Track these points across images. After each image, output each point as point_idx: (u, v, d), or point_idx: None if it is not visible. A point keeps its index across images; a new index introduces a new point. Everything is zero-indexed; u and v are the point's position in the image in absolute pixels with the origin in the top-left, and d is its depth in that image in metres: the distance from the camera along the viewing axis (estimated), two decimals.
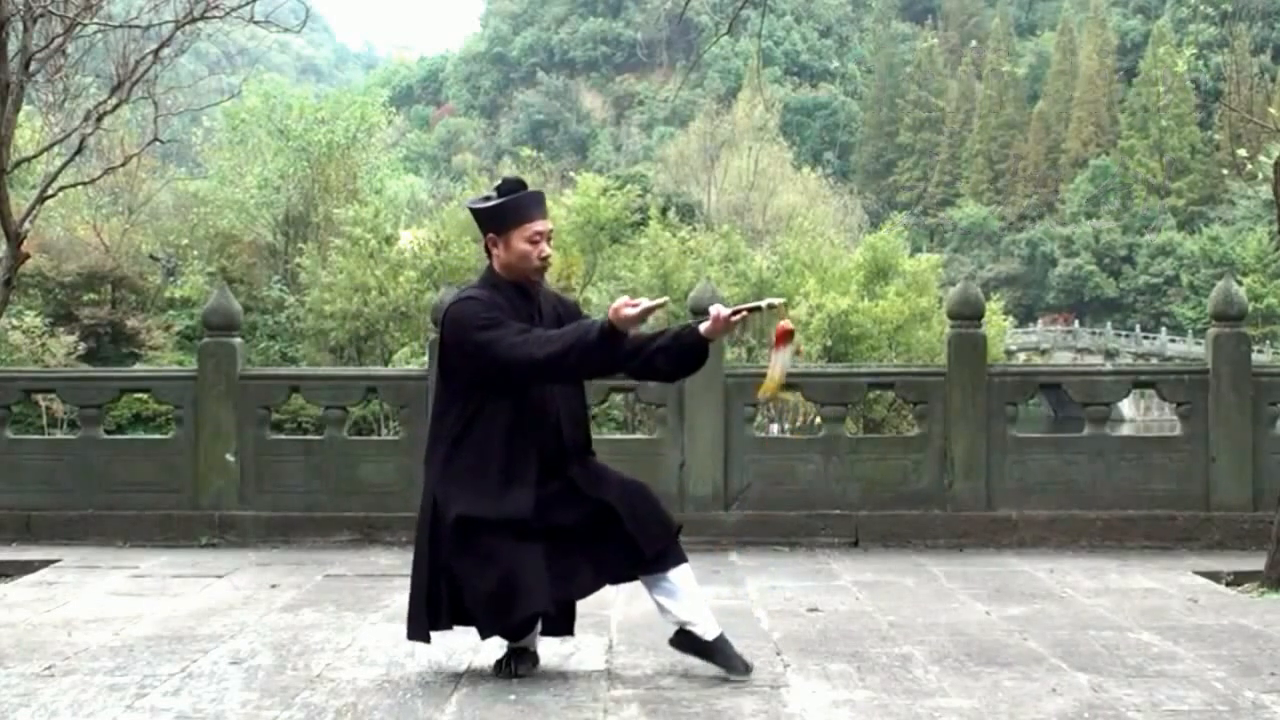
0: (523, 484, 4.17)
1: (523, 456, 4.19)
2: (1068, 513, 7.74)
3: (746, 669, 4.23)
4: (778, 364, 4.17)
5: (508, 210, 4.26)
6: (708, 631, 4.23)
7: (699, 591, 4.32)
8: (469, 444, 4.19)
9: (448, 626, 4.27)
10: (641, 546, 4.16)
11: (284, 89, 39.92)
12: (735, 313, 4.06)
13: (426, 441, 4.39)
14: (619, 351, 4.06)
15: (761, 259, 33.92)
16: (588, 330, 4.04)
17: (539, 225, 4.26)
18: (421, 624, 4.25)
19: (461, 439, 4.20)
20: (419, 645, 4.87)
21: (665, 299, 4.10)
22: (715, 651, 4.23)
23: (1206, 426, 7.84)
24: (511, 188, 4.32)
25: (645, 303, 4.01)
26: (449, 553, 4.16)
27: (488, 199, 4.33)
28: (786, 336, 4.15)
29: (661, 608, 4.27)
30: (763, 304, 4.16)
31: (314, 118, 35.39)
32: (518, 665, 4.33)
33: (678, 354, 4.14)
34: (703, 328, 4.08)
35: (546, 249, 4.29)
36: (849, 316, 30.13)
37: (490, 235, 4.29)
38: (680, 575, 4.23)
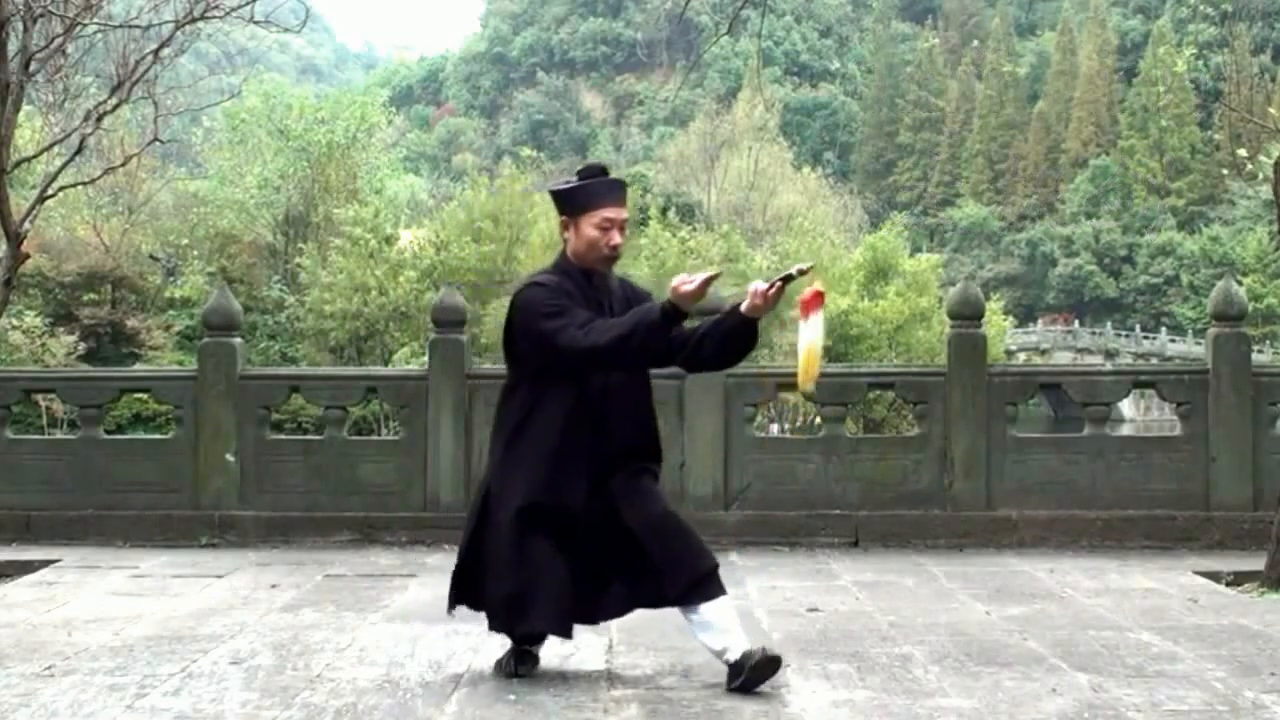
0: (576, 475, 4.12)
1: (577, 449, 4.13)
2: (1068, 513, 7.74)
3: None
4: (808, 336, 3.97)
5: (580, 195, 4.20)
6: (734, 655, 4.12)
7: (736, 623, 4.17)
8: (529, 433, 4.16)
9: (475, 608, 4.32)
10: (664, 585, 4.09)
11: (284, 89, 39.90)
12: (771, 286, 3.98)
13: (491, 427, 4.39)
14: (678, 335, 4.02)
15: (762, 259, 33.91)
16: (649, 311, 3.98)
17: (610, 212, 4.18)
18: (452, 596, 4.33)
19: (522, 427, 4.17)
20: (419, 645, 4.88)
21: (720, 270, 3.99)
22: (737, 665, 4.10)
23: (1206, 426, 7.84)
24: (590, 173, 4.26)
25: (700, 276, 3.93)
26: (489, 538, 4.18)
27: (568, 182, 4.28)
28: (816, 301, 3.96)
29: (696, 634, 4.20)
30: (792, 270, 4.02)
31: (314, 118, 35.37)
32: (518, 665, 4.33)
33: (721, 339, 4.10)
34: (744, 307, 4.01)
35: (617, 237, 4.20)
36: (849, 316, 30.14)
37: (563, 219, 4.24)
38: (713, 609, 4.09)
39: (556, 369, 4.12)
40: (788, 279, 4.01)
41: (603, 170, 4.29)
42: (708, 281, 3.91)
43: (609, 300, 4.24)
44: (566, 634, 4.21)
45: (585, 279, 4.22)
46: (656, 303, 4.03)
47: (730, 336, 4.10)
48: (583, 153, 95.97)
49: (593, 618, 4.31)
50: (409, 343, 26.11)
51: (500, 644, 4.43)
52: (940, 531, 7.71)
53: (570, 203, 4.21)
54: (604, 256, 4.21)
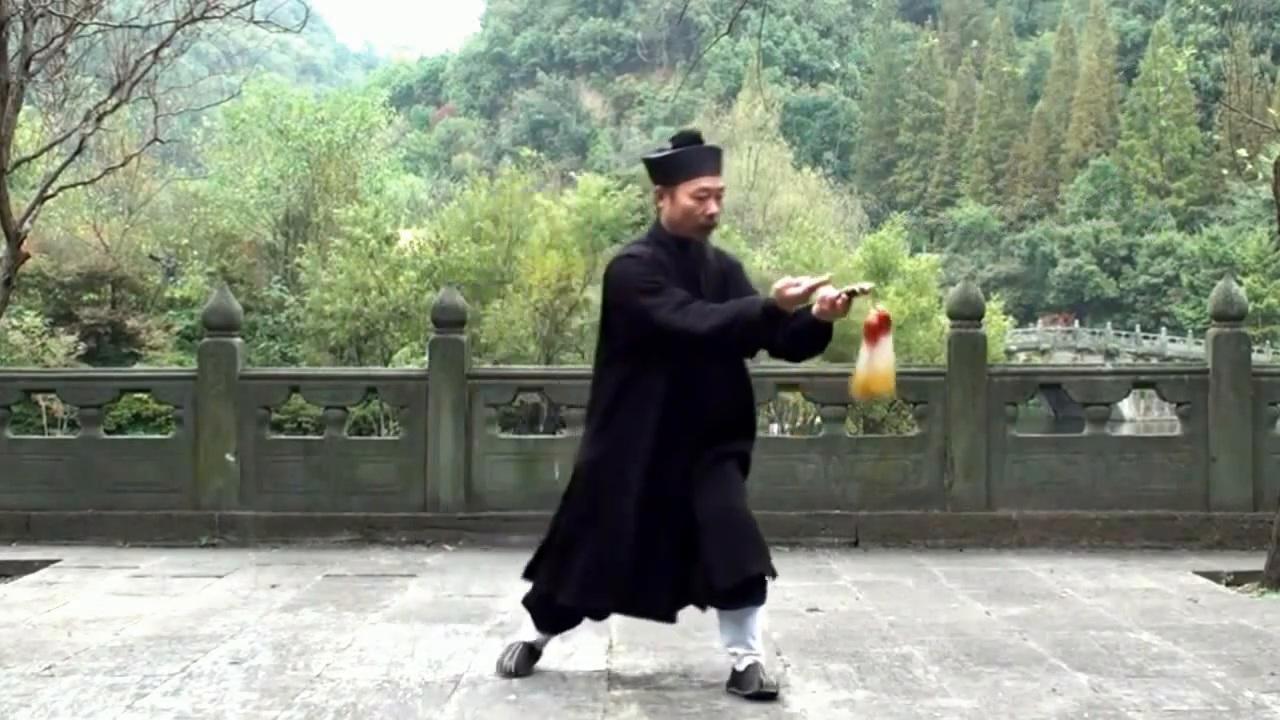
0: (671, 454, 4.05)
1: (673, 428, 4.06)
2: (1068, 513, 7.74)
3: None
4: (880, 362, 3.89)
5: (677, 162, 4.12)
6: (741, 664, 4.10)
7: (759, 633, 4.16)
8: (623, 410, 4.11)
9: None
10: (713, 580, 4.00)
11: (284, 89, 39.92)
12: (839, 296, 3.88)
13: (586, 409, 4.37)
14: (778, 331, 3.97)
15: (762, 259, 33.93)
16: (751, 306, 3.92)
17: (706, 181, 4.09)
18: (528, 567, 4.36)
19: (616, 404, 4.13)
20: (419, 645, 4.88)
21: (827, 275, 3.91)
22: (740, 678, 4.10)
23: (1206, 426, 7.84)
24: (685, 140, 4.19)
25: (807, 281, 3.88)
26: (569, 512, 4.19)
27: (662, 150, 4.20)
28: (884, 326, 3.89)
29: (720, 626, 4.18)
30: (855, 288, 3.92)
31: (314, 118, 35.40)
32: (519, 665, 4.32)
33: (795, 334, 4.02)
34: (814, 310, 3.95)
35: (713, 206, 4.11)
36: (849, 316, 30.13)
37: (658, 188, 4.17)
38: (749, 611, 4.08)
39: (649, 348, 4.05)
40: (853, 294, 3.93)
41: (697, 138, 4.20)
42: (812, 289, 3.85)
43: (704, 271, 4.15)
44: (598, 616, 4.26)
45: (680, 248, 4.13)
46: (758, 299, 3.96)
47: (804, 334, 4.02)
48: (583, 153, 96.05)
49: (645, 614, 4.21)
50: (409, 343, 26.14)
51: (505, 642, 4.43)
52: (940, 531, 7.71)
53: (665, 171, 4.14)
54: (700, 225, 4.12)
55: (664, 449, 4.06)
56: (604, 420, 4.16)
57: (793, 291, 3.83)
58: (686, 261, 4.12)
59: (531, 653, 4.40)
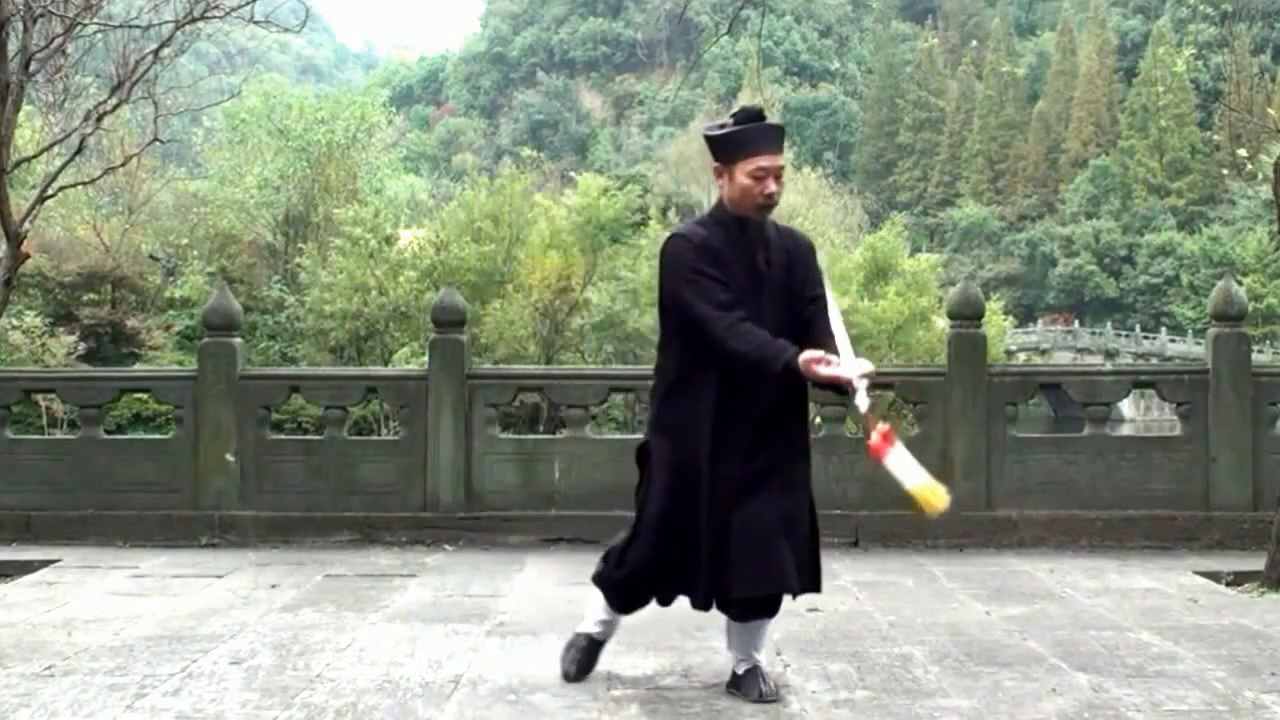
0: (731, 436, 3.98)
1: (732, 410, 3.99)
2: (1068, 513, 7.74)
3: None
4: (912, 479, 3.81)
5: (735, 140, 4.01)
6: (742, 667, 4.11)
7: (766, 642, 4.17)
8: (683, 390, 4.06)
9: None
10: (729, 586, 3.95)
11: (284, 89, 39.87)
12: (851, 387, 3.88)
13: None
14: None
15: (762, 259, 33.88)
16: (779, 354, 3.85)
17: (765, 160, 3.98)
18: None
19: (674, 391, 4.09)
20: (419, 645, 4.87)
21: (863, 374, 3.82)
22: (740, 682, 4.10)
23: (1206, 426, 7.84)
24: (746, 117, 4.06)
25: (838, 373, 3.83)
26: (644, 496, 4.14)
27: (723, 126, 4.12)
28: (887, 441, 3.82)
29: (727, 629, 4.18)
30: (865, 409, 3.91)
31: (314, 118, 35.37)
32: (579, 665, 4.28)
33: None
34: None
35: (772, 186, 3.99)
36: (849, 316, 30.09)
37: (717, 166, 4.07)
38: (758, 625, 4.08)
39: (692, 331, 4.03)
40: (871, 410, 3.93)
41: (759, 115, 4.11)
42: (835, 380, 3.85)
43: (764, 251, 4.06)
44: (666, 603, 4.22)
45: (739, 227, 4.04)
46: (786, 352, 3.87)
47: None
48: (583, 153, 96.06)
49: (681, 589, 4.15)
50: (409, 343, 26.13)
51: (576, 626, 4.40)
52: (940, 531, 7.70)
53: (724, 149, 4.05)
54: (758, 205, 4.02)
55: (726, 430, 3.99)
56: (665, 398, 4.13)
57: (818, 370, 3.81)
58: (745, 241, 4.04)
59: (593, 647, 4.33)
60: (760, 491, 3.98)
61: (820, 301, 4.11)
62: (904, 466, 3.80)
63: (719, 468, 3.97)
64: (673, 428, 4.07)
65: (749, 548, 3.93)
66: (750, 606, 3.99)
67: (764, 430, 4.03)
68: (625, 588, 4.17)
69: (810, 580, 4.12)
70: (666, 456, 4.05)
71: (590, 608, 4.34)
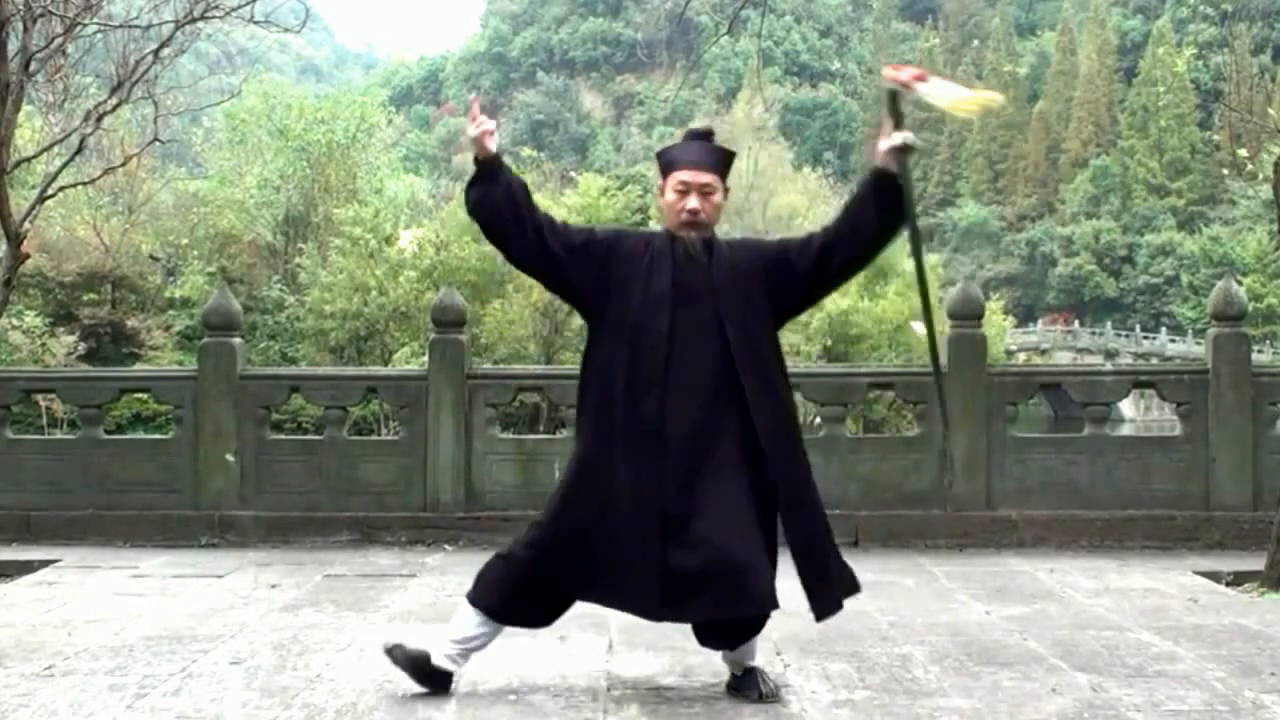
0: (645, 453, 3.78)
1: (646, 412, 3.79)
2: (1068, 513, 7.74)
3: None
4: (940, 97, 3.75)
5: (663, 157, 4.02)
6: (740, 669, 4.08)
7: (756, 650, 4.12)
8: (589, 398, 4.00)
9: None
10: (705, 632, 3.99)
11: (284, 89, 39.85)
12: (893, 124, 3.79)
13: None
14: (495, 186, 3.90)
15: None
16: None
17: (686, 175, 3.91)
18: None
19: (582, 395, 4.04)
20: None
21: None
22: (740, 682, 4.08)
23: (1206, 426, 7.84)
24: (690, 135, 4.06)
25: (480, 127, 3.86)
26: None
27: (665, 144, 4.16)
28: (919, 77, 3.76)
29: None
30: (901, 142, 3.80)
31: (314, 118, 35.33)
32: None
33: (858, 203, 3.93)
34: (877, 164, 3.86)
35: (693, 202, 3.88)
36: (849, 316, 30.12)
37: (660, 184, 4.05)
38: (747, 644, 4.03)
39: (594, 312, 3.99)
40: (901, 149, 3.83)
41: (703, 134, 4.05)
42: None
43: (700, 271, 3.86)
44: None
45: (669, 243, 3.94)
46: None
47: (864, 203, 3.89)
48: (583, 153, 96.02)
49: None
50: (409, 343, 26.09)
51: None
52: (940, 531, 7.71)
53: (660, 164, 4.05)
54: (681, 221, 3.92)
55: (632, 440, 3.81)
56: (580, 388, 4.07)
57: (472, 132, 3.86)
58: (673, 258, 3.90)
59: (428, 670, 4.08)
60: (706, 516, 3.74)
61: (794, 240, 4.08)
62: (938, 93, 3.76)
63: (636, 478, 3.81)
64: (587, 424, 4.00)
65: (715, 588, 3.71)
66: (733, 641, 3.98)
67: (692, 438, 3.79)
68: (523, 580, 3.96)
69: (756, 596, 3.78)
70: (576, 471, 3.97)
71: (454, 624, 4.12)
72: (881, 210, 3.87)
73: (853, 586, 4.01)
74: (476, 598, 4.00)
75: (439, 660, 4.03)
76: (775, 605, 3.79)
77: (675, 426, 3.77)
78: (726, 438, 3.79)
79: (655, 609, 3.82)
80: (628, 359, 3.83)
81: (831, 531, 3.98)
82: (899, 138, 3.83)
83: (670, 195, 3.96)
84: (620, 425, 3.81)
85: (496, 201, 3.92)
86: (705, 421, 3.80)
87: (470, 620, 4.01)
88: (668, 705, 3.96)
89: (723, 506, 3.73)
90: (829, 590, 3.91)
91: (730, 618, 3.85)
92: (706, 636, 4.03)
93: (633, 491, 3.76)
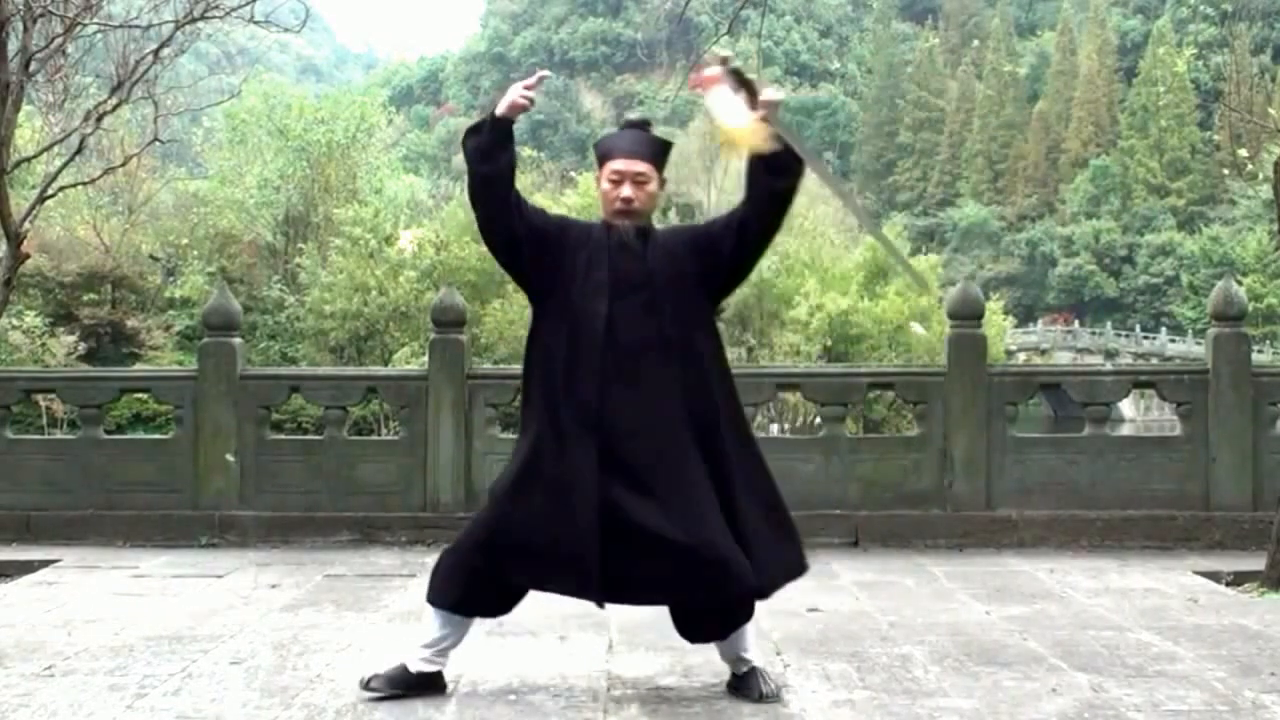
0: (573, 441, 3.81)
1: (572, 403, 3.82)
2: (1068, 513, 7.74)
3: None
4: (721, 113, 3.69)
5: (600, 146, 4.07)
6: (741, 668, 4.06)
7: (752, 643, 4.09)
8: (531, 386, 4.03)
9: None
10: (683, 623, 4.02)
11: (284, 89, 39.88)
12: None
13: None
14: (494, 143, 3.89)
15: (762, 259, 33.88)
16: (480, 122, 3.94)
17: (619, 164, 3.93)
18: None
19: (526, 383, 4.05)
20: None
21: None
22: (741, 682, 4.06)
23: (1206, 426, 7.84)
24: (625, 124, 4.07)
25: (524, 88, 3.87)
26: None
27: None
28: (717, 76, 3.71)
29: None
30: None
31: (314, 118, 35.36)
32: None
33: (749, 172, 3.92)
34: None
35: (626, 191, 3.90)
36: (849, 316, 30.14)
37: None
38: (736, 634, 4.01)
39: (536, 296, 4.01)
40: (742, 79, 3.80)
41: (637, 124, 4.06)
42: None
43: (636, 261, 3.88)
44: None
45: (605, 233, 3.96)
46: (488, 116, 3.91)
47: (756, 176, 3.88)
48: (583, 153, 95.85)
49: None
50: (409, 343, 26.11)
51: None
52: (940, 531, 7.71)
53: (596, 154, 4.09)
54: (615, 210, 3.95)
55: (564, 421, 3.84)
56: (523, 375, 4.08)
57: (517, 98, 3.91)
58: (610, 247, 3.92)
59: (407, 680, 4.07)
60: (657, 510, 3.73)
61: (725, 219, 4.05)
62: (726, 104, 3.71)
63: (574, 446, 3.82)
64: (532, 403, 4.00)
65: (682, 581, 3.76)
66: (713, 635, 3.99)
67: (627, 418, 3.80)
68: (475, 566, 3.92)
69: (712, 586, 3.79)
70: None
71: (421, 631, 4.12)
72: (771, 170, 3.87)
73: (797, 570, 3.97)
74: (433, 597, 4.00)
75: (418, 667, 4.02)
76: (745, 585, 3.77)
77: (615, 413, 3.77)
78: (669, 423, 3.80)
79: (597, 594, 3.83)
80: (567, 348, 3.86)
81: (785, 510, 4.00)
82: (770, 94, 3.80)
83: (605, 184, 3.98)
84: (562, 413, 3.83)
85: (501, 165, 3.93)
86: (645, 408, 3.82)
87: (434, 621, 4.02)
88: (668, 705, 3.96)
89: (670, 490, 3.75)
90: (779, 565, 3.89)
91: (683, 601, 3.89)
92: (688, 629, 4.03)
93: (575, 479, 3.77)
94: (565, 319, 3.90)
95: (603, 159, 4.01)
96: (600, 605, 3.93)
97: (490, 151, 3.92)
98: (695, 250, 4.01)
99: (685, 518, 3.72)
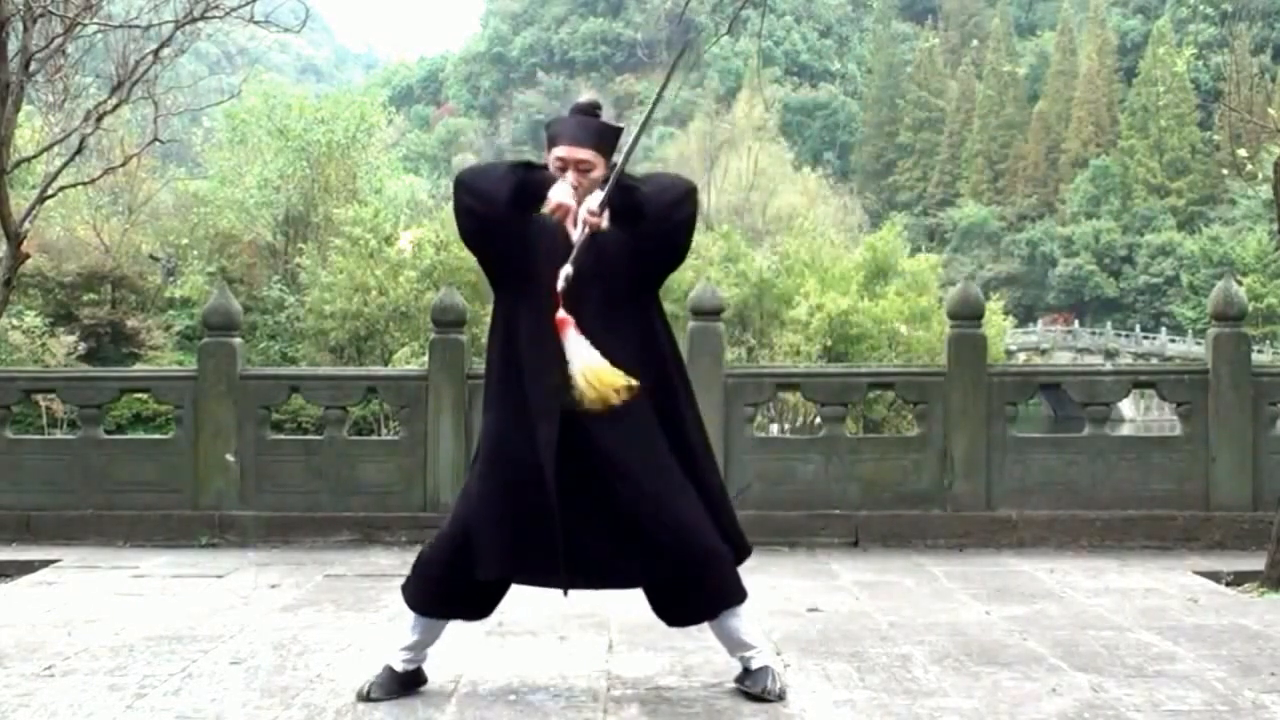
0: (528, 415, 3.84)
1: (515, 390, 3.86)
2: (1068, 513, 7.74)
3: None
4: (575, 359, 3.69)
5: (548, 130, 4.00)
6: (754, 663, 4.05)
7: (755, 633, 4.09)
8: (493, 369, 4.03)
9: None
10: (667, 614, 4.06)
11: (284, 89, 39.87)
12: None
13: None
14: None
15: (762, 259, 33.90)
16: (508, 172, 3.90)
17: (563, 151, 3.85)
18: None
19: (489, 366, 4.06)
20: None
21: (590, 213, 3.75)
22: (750, 674, 4.05)
23: (1206, 426, 7.84)
24: (573, 108, 4.01)
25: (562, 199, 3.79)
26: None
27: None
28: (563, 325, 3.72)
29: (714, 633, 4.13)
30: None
31: (314, 118, 35.32)
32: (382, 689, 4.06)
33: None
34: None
35: (572, 178, 3.84)
36: (849, 316, 30.12)
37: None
38: (727, 617, 4.01)
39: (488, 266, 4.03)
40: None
41: (588, 109, 4.00)
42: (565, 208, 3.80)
43: (585, 249, 3.80)
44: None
45: (553, 219, 3.91)
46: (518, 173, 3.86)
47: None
48: None
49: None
50: (409, 343, 26.09)
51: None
52: (940, 531, 7.71)
53: (545, 138, 4.03)
54: None
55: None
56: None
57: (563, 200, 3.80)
58: (550, 232, 3.88)
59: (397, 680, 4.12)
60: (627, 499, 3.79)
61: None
62: (576, 354, 3.70)
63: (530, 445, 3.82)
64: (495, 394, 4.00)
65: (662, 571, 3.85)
66: (697, 619, 4.03)
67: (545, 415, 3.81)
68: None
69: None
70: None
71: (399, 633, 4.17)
72: (635, 222, 3.86)
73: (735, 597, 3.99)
74: (410, 602, 4.05)
75: (402, 667, 4.06)
76: (713, 558, 3.84)
77: (576, 397, 3.73)
78: (630, 406, 3.74)
79: (564, 579, 3.85)
80: (528, 335, 3.87)
81: (730, 507, 4.05)
82: (591, 208, 3.78)
83: (552, 170, 3.92)
84: (528, 399, 3.84)
85: (496, 213, 3.87)
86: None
87: (410, 625, 4.06)
88: (668, 705, 3.96)
89: (638, 472, 3.80)
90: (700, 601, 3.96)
91: (652, 575, 3.90)
92: (666, 609, 4.03)
93: (539, 465, 3.76)
94: (521, 306, 3.91)
95: (550, 144, 3.97)
96: (565, 593, 3.93)
97: (499, 205, 3.86)
98: (619, 239, 3.94)
99: (655, 497, 3.78)
